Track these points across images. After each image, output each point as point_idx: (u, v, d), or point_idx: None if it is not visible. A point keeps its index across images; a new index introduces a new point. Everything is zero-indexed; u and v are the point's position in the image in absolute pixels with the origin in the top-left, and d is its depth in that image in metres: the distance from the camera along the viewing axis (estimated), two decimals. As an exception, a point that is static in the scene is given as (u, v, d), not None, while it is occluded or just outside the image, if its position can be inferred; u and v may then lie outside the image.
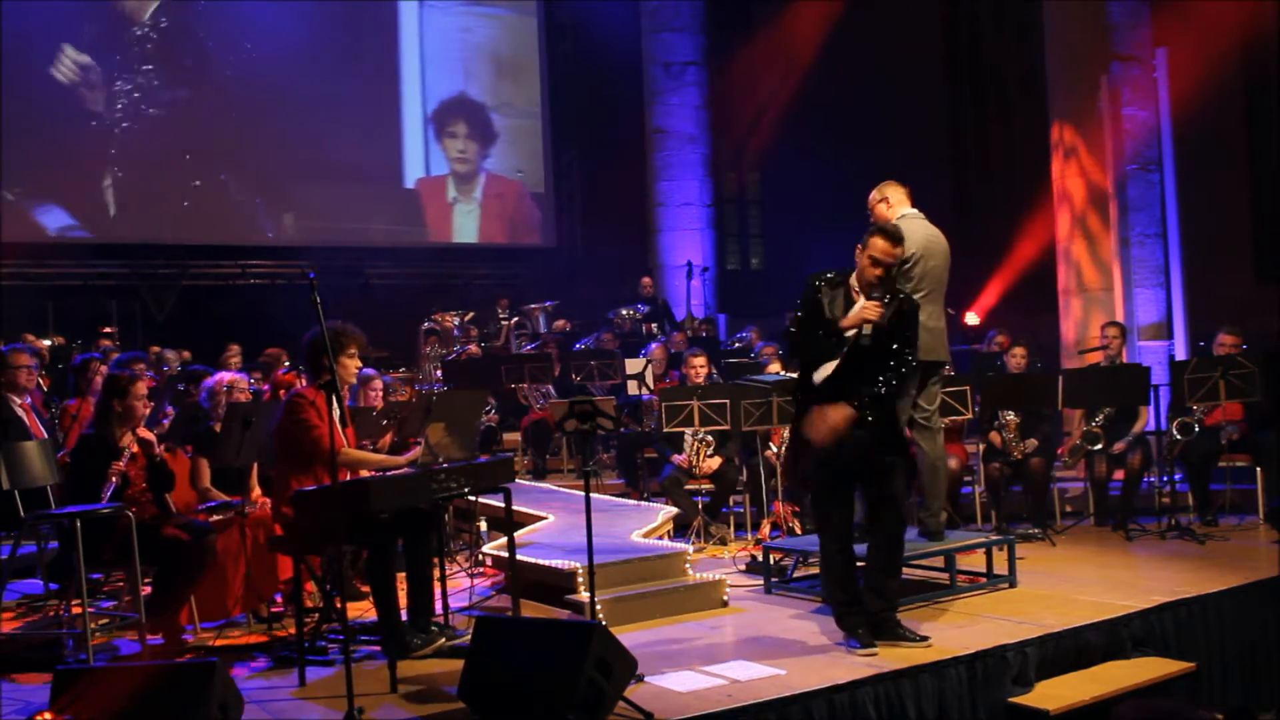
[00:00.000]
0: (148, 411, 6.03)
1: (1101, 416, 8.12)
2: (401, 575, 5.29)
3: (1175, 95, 10.26)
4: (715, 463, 8.02)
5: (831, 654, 5.06)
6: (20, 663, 5.21)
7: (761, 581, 6.41)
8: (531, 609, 5.80)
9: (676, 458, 8.10)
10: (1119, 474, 8.10)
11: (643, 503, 8.25)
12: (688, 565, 6.16)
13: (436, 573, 5.55)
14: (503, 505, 5.49)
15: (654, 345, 10.17)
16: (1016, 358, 8.49)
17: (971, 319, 12.52)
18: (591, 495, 5.23)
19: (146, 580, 5.59)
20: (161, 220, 13.63)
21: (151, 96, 13.55)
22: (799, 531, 7.50)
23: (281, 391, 7.20)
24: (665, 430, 7.96)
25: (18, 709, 4.56)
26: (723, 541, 7.79)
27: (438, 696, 4.62)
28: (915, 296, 5.46)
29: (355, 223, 14.84)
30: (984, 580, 6.24)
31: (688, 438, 8.01)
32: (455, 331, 12.66)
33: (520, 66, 16.19)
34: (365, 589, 5.95)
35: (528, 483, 9.02)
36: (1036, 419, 8.10)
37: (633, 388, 9.94)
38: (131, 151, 13.42)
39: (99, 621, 5.73)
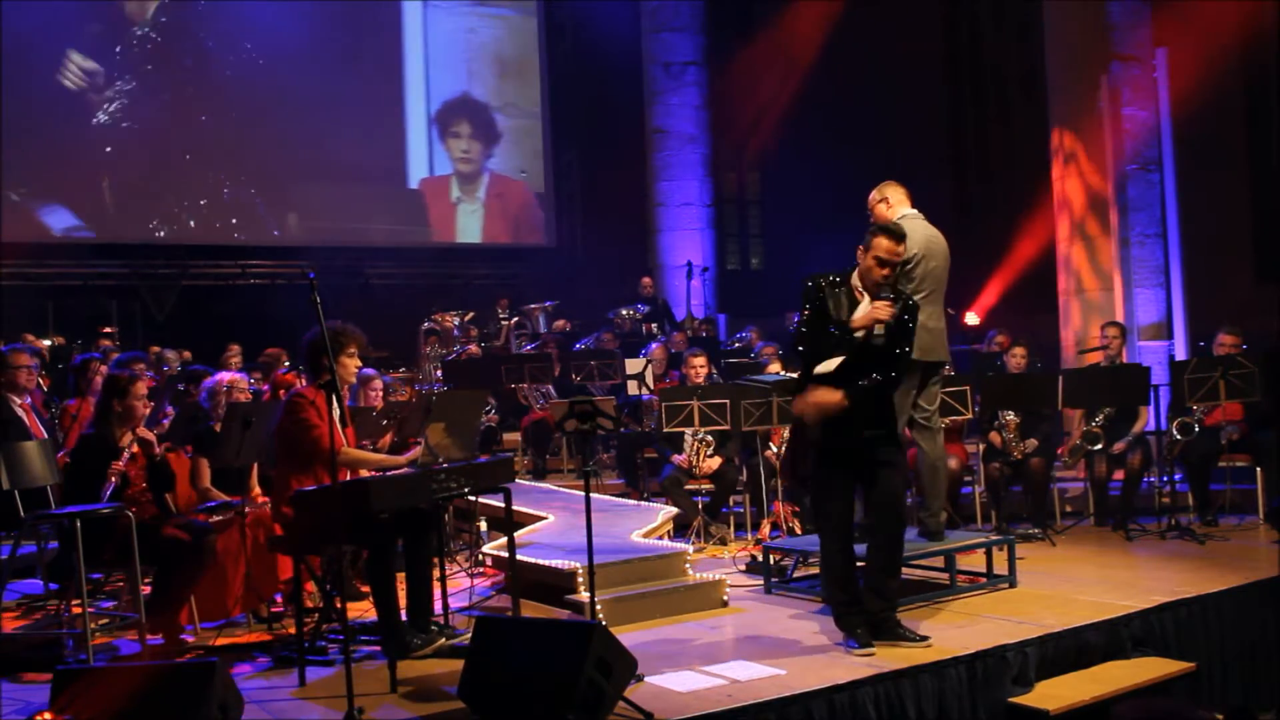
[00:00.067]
0: (148, 411, 6.02)
1: (1101, 416, 8.12)
2: (401, 575, 5.28)
3: (1175, 95, 10.26)
4: (715, 463, 8.02)
5: (831, 654, 5.06)
6: (20, 663, 5.21)
7: (761, 581, 6.41)
8: (531, 609, 5.80)
9: (676, 458, 8.10)
10: (1119, 474, 8.09)
11: (643, 503, 8.25)
12: (688, 565, 6.16)
13: (436, 573, 5.55)
14: (503, 505, 5.49)
15: (654, 345, 10.17)
16: (1016, 358, 8.49)
17: (971, 319, 12.52)
18: (591, 495, 5.23)
19: (146, 580, 5.59)
20: (161, 220, 13.63)
21: (152, 96, 13.56)
22: (799, 531, 7.50)
23: (281, 391, 7.19)
24: (665, 430, 7.95)
25: (18, 709, 4.56)
26: (723, 541, 7.79)
27: (438, 696, 4.62)
28: (916, 297, 5.46)
29: (358, 223, 14.86)
30: (984, 580, 6.24)
31: (688, 438, 8.01)
32: (455, 331, 12.66)
33: (522, 67, 16.20)
34: (365, 589, 5.94)
35: (528, 483, 9.02)
36: (1036, 419, 8.10)
37: (633, 388, 9.94)
38: (131, 151, 13.42)
39: (99, 621, 5.74)
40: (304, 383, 7.39)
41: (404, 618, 5.21)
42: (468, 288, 15.07)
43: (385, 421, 6.87)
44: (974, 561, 6.40)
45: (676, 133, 14.70)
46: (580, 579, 5.64)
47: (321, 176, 14.38)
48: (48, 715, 3.96)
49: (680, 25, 14.73)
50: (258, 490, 6.50)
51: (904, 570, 5.56)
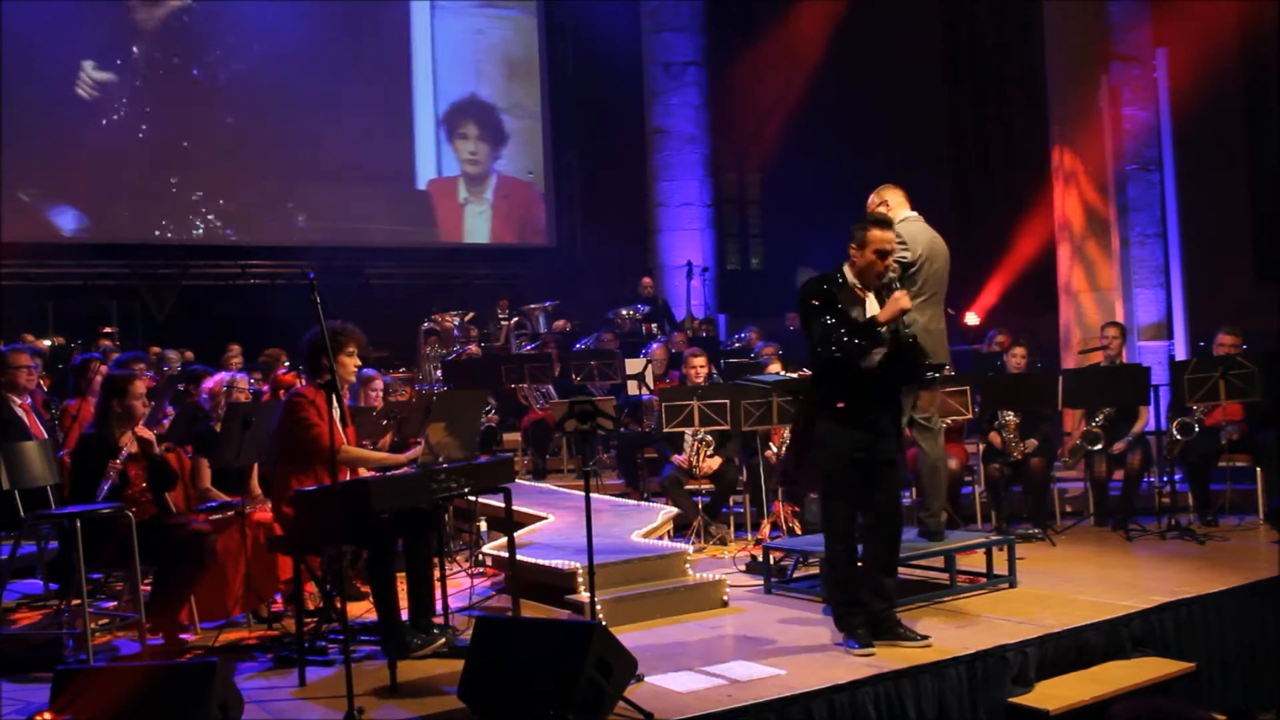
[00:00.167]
0: (147, 411, 6.03)
1: (1101, 416, 8.12)
2: (401, 575, 5.29)
3: (1175, 95, 10.26)
4: (715, 463, 8.02)
5: (831, 654, 5.06)
6: (20, 663, 5.21)
7: (761, 581, 6.41)
8: (531, 609, 5.80)
9: (676, 458, 8.10)
10: (1119, 474, 8.10)
11: (643, 503, 8.25)
12: (688, 565, 6.16)
13: (436, 573, 5.55)
14: (503, 505, 5.49)
15: (654, 345, 10.17)
16: (1016, 358, 8.49)
17: (971, 319, 12.51)
18: (591, 495, 5.23)
19: (146, 580, 5.59)
20: (169, 221, 13.63)
21: (161, 98, 13.57)
22: (799, 531, 7.51)
23: (281, 391, 7.19)
24: (665, 430, 7.95)
25: (18, 709, 4.56)
26: (723, 541, 7.79)
27: (438, 696, 4.61)
28: (918, 300, 5.47)
29: (364, 223, 14.86)
30: (984, 580, 6.24)
31: (688, 438, 8.01)
32: (455, 331, 12.65)
33: (525, 67, 16.20)
34: (365, 589, 5.95)
35: (528, 483, 9.02)
36: (1036, 419, 8.10)
37: (633, 388, 9.94)
38: (134, 152, 13.41)
39: (99, 621, 5.74)
40: (304, 382, 7.39)
41: (404, 618, 5.21)
42: (468, 288, 15.06)
43: (385, 421, 6.87)
44: (974, 561, 6.40)
45: (676, 133, 14.69)
46: (580, 579, 5.64)
47: (328, 177, 14.37)
48: (48, 715, 3.96)
49: (680, 25, 14.72)
50: (258, 490, 6.50)
51: (904, 570, 5.56)
